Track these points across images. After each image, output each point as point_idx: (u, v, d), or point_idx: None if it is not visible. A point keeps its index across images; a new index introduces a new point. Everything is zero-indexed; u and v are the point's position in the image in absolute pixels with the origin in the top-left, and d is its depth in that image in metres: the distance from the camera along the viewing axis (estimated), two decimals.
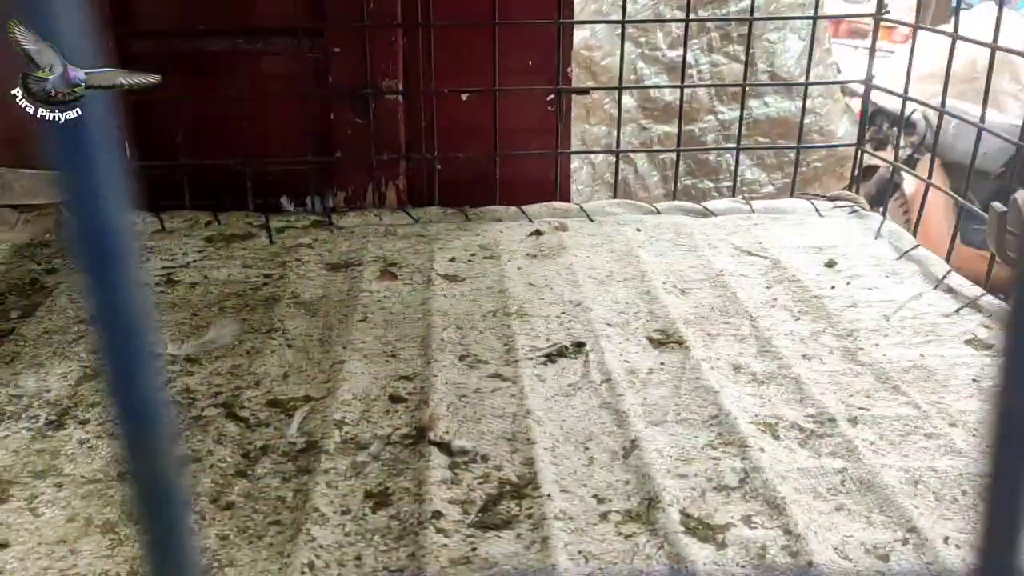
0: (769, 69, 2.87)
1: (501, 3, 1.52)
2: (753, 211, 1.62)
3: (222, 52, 1.53)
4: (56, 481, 0.89)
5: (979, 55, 2.57)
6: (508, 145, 1.60)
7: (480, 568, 0.77)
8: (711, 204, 1.66)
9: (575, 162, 2.62)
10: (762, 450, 0.93)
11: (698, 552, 0.79)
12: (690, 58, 2.77)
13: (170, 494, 0.19)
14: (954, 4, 1.78)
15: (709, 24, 2.80)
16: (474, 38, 1.55)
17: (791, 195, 1.76)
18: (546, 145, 1.62)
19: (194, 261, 1.41)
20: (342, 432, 0.97)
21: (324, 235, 1.52)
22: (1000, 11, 1.34)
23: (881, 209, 1.62)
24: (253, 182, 1.57)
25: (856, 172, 1.74)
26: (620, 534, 0.82)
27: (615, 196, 1.75)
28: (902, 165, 1.90)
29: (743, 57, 2.75)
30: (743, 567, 0.78)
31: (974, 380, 1.09)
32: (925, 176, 1.56)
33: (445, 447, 0.94)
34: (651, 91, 2.77)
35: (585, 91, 2.17)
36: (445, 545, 0.80)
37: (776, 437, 0.97)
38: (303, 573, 0.76)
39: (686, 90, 1.65)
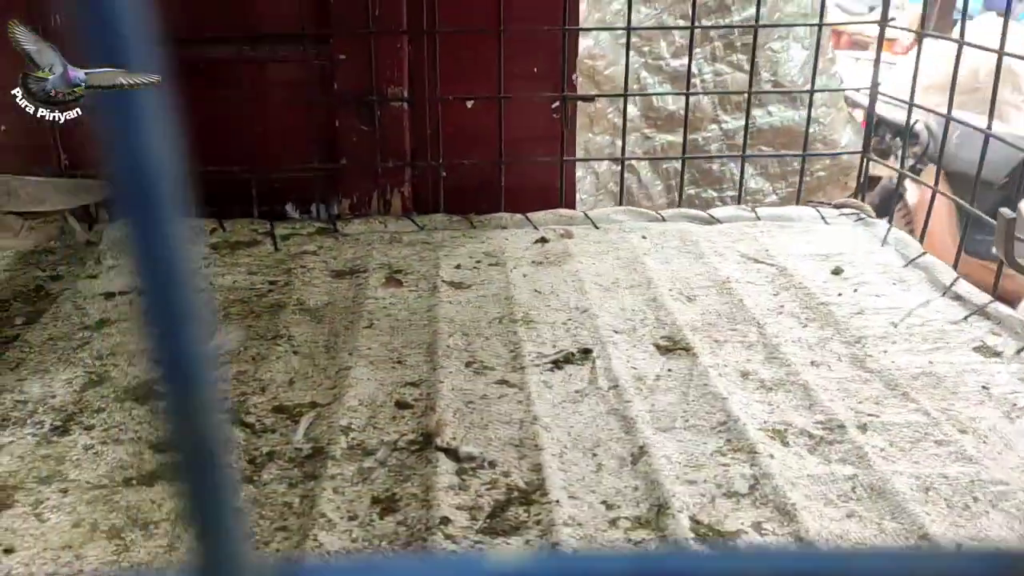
0: (773, 78, 2.87)
1: (506, 10, 1.52)
2: (759, 219, 1.62)
3: (227, 59, 1.52)
4: (61, 487, 0.88)
5: (981, 65, 2.57)
6: (513, 152, 1.60)
7: None
8: (716, 211, 1.65)
9: (578, 171, 2.61)
10: (772, 456, 0.93)
11: None
12: (693, 68, 2.77)
13: (213, 458, 0.19)
14: (960, 11, 1.78)
15: (712, 33, 2.80)
16: (479, 45, 1.55)
17: (797, 203, 1.76)
18: (551, 152, 1.62)
19: (199, 268, 1.40)
20: (348, 438, 0.96)
21: (329, 242, 1.51)
22: (1007, 19, 1.34)
23: (887, 217, 1.61)
24: (258, 189, 1.57)
25: (862, 180, 1.74)
26: (630, 540, 0.81)
27: (620, 204, 1.74)
28: (908, 172, 1.90)
29: (747, 66, 2.75)
30: None
31: (983, 387, 1.08)
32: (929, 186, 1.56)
33: (452, 453, 0.93)
34: (655, 101, 2.77)
35: (591, 98, 2.17)
36: (453, 551, 0.79)
37: (785, 443, 0.96)
38: None
39: (690, 99, 1.65)
